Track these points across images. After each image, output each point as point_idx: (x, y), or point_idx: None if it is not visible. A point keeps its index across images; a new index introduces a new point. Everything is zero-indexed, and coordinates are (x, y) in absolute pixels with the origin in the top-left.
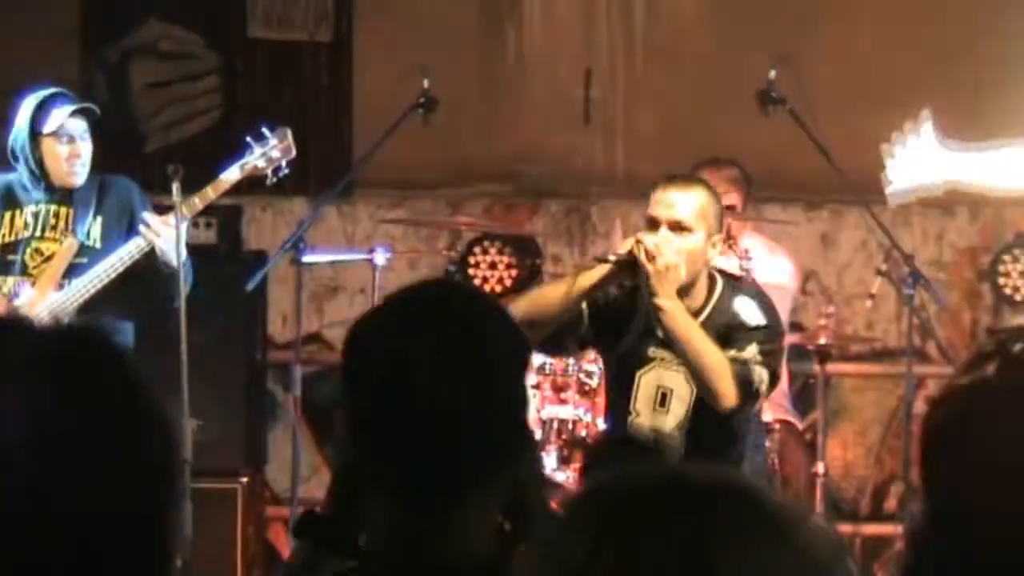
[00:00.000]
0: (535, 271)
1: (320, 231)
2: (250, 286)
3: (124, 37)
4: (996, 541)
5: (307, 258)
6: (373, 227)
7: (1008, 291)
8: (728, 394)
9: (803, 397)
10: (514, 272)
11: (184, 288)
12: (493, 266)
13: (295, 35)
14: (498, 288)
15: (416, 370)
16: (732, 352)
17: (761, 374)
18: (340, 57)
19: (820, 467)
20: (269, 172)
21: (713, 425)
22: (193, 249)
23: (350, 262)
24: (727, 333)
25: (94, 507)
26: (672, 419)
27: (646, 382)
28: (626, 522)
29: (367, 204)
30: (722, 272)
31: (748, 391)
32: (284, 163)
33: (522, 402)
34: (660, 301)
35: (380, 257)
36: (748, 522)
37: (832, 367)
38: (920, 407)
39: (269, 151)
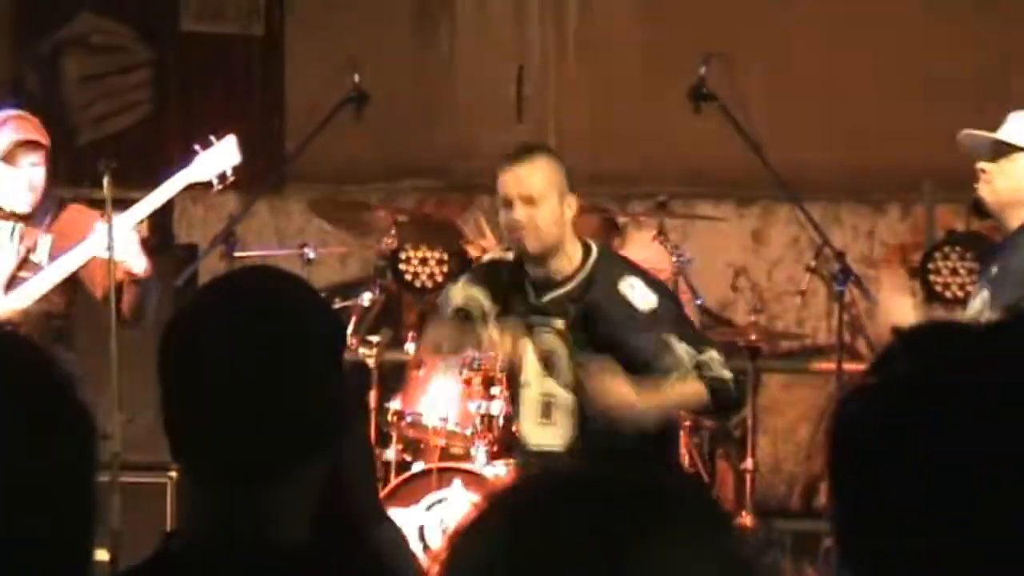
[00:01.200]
0: (466, 266)
1: (252, 225)
2: (181, 281)
3: (56, 30)
4: (900, 546)
5: (239, 253)
6: (305, 222)
7: (939, 288)
8: (709, 409)
9: None
10: (445, 267)
11: (153, 300)
12: (424, 261)
13: (227, 29)
14: (429, 283)
15: (219, 350)
16: (668, 363)
17: (712, 357)
18: (272, 51)
19: (750, 463)
20: (215, 180)
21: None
22: None
23: (281, 257)
24: (622, 322)
25: (8, 505)
26: (559, 380)
27: (529, 351)
28: (539, 522)
29: (299, 199)
30: (603, 247)
31: (725, 390)
32: (229, 170)
33: (332, 387)
34: (627, 409)
35: (311, 252)
36: (666, 521)
37: (762, 364)
38: None
39: (214, 160)
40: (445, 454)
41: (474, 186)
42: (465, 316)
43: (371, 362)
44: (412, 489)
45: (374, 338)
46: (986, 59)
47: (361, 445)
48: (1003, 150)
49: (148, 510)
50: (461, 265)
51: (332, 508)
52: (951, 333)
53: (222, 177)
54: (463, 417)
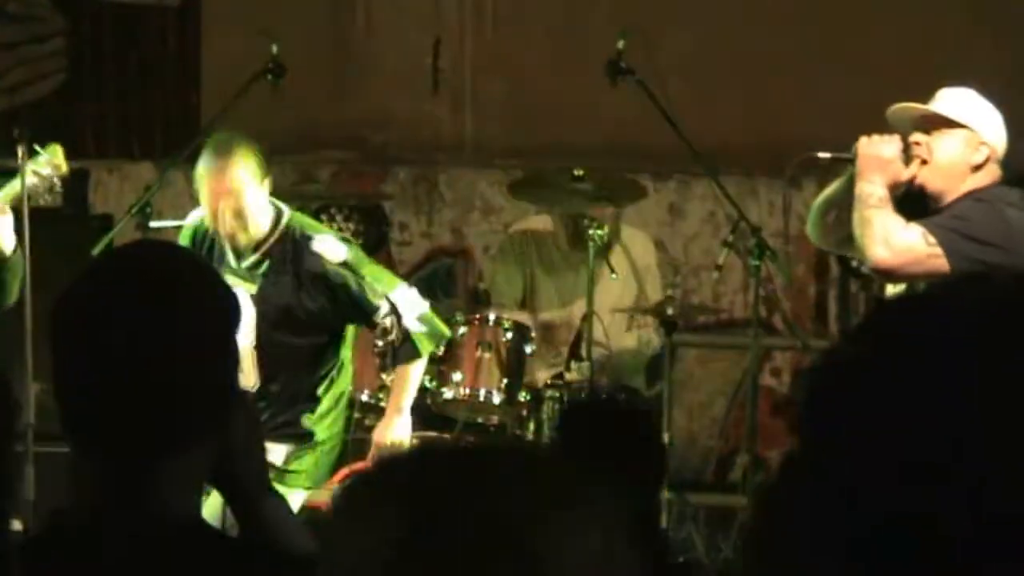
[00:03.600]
0: (382, 239)
1: (167, 196)
2: (96, 251)
3: None
4: (860, 500)
5: (154, 223)
6: None
7: (855, 264)
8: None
9: (649, 367)
10: (360, 240)
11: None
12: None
13: None
14: None
15: (113, 325)
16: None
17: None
18: (188, 21)
19: (665, 437)
20: (42, 190)
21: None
22: (38, 212)
23: None
24: (326, 283)
25: None
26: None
27: None
28: (433, 504)
29: None
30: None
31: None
32: (58, 181)
33: (223, 366)
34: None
35: None
36: (541, 488)
37: (678, 338)
38: (766, 379)
39: (40, 169)
40: (360, 426)
41: (390, 158)
42: None
43: None
44: None
45: None
46: (907, 34)
47: (250, 418)
48: (936, 125)
49: (63, 481)
50: (377, 236)
51: (220, 482)
52: (928, 306)
53: (51, 189)
54: (377, 389)
